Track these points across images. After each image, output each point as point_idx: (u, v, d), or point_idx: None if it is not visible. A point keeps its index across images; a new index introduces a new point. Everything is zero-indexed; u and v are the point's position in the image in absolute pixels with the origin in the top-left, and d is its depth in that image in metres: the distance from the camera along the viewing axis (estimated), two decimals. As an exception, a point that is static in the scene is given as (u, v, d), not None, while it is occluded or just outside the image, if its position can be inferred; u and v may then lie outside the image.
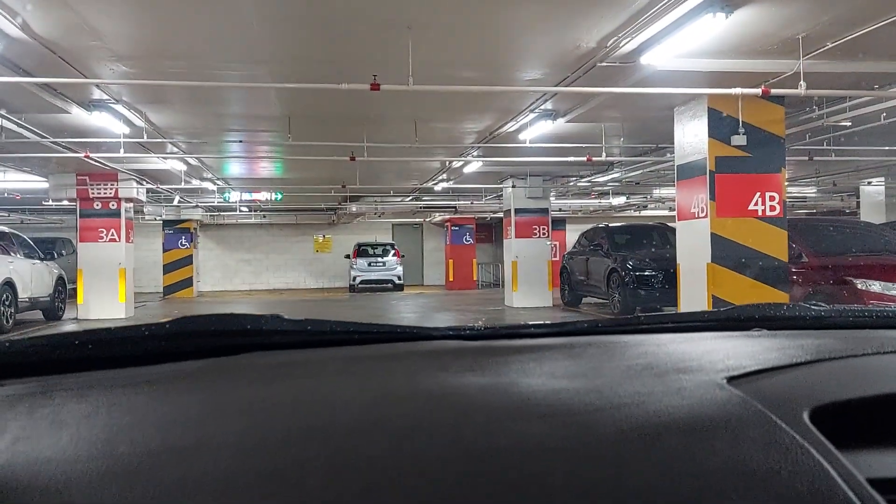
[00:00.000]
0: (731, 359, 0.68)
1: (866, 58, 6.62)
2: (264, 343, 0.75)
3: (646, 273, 12.03)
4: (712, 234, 8.03)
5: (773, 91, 6.38)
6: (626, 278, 12.11)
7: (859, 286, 7.82)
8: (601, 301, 13.30)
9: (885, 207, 16.94)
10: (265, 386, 0.62)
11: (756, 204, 8.07)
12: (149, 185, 13.78)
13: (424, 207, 20.81)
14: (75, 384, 0.63)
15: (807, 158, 10.95)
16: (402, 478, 0.46)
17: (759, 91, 6.37)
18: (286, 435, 0.51)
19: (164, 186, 14.37)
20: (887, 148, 11.12)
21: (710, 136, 8.06)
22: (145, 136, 9.22)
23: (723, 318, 0.93)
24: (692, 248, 8.42)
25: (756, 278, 7.99)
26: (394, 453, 0.48)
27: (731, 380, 0.61)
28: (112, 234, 13.04)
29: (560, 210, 20.92)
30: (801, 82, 6.17)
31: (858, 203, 18.23)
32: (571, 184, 15.57)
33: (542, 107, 8.72)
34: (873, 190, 17.52)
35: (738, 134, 7.90)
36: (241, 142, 10.55)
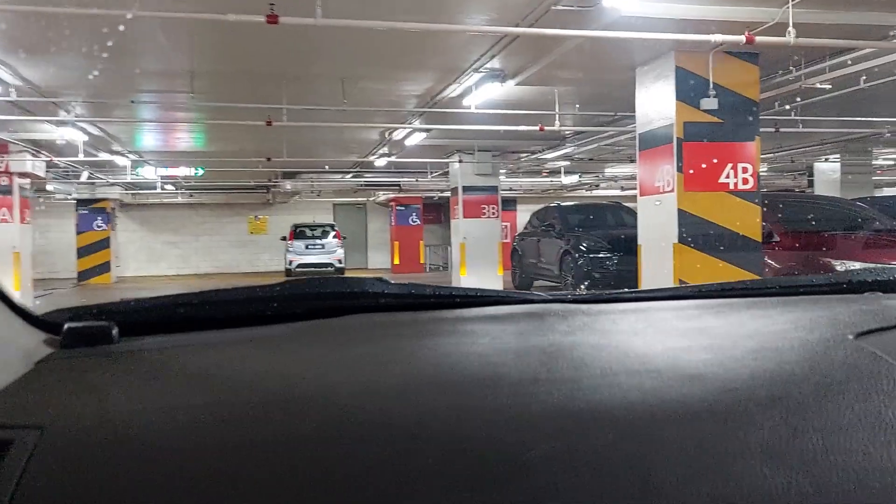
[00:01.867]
0: (856, 316, 0.67)
1: (860, 7, 5.74)
2: (368, 305, 0.77)
3: (600, 255, 11.21)
4: (679, 210, 7.09)
5: (758, 39, 5.42)
6: (579, 260, 11.28)
7: (837, 267, 7.08)
8: (553, 284, 12.42)
9: (840, 185, 16.46)
10: (378, 343, 0.65)
11: (728, 176, 7.16)
12: (47, 159, 12.23)
13: (366, 185, 19.57)
14: (198, 342, 0.68)
15: (773, 130, 10.13)
16: (523, 427, 0.47)
17: (741, 38, 5.41)
18: (404, 386, 0.53)
19: (66, 159, 12.82)
20: (858, 119, 10.41)
21: (678, 98, 7.10)
22: (14, 95, 7.82)
23: (834, 283, 0.91)
24: (656, 227, 7.49)
25: (728, 260, 7.10)
26: (514, 404, 0.49)
27: (857, 336, 0.60)
28: (3, 215, 11.51)
29: (511, 189, 20.03)
30: (790, 29, 5.23)
31: (811, 181, 17.75)
32: (524, 158, 14.58)
33: (487, 65, 7.64)
34: (828, 167, 17.03)
35: (709, 97, 6.99)
36: (145, 103, 9.18)
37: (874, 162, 17.85)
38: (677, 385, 0.52)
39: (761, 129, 7.47)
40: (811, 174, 17.75)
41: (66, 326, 0.67)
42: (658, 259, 7.38)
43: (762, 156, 15.79)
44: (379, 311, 0.77)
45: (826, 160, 16.60)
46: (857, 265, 7.13)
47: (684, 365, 0.56)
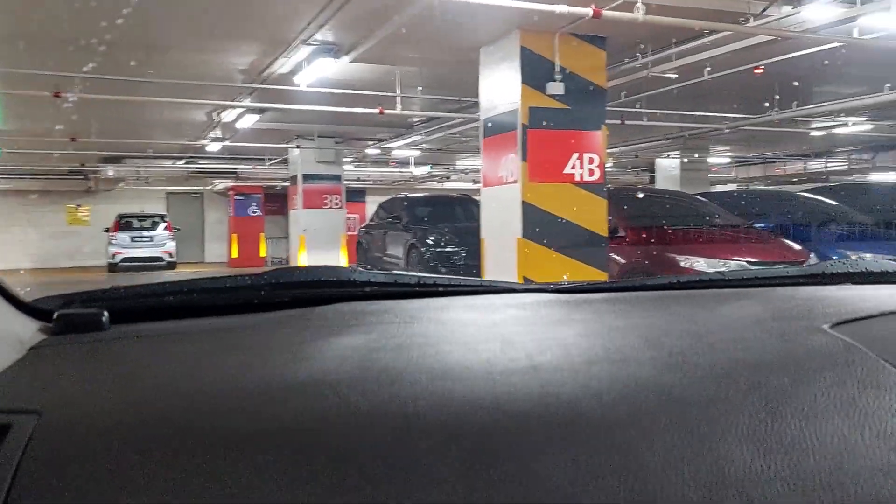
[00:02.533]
0: (831, 307, 0.69)
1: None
2: (354, 294, 0.78)
3: (448, 249, 10.63)
4: (524, 202, 6.57)
5: (606, 13, 4.92)
6: (425, 254, 10.66)
7: (682, 264, 6.84)
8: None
9: (680, 181, 16.88)
10: (365, 331, 0.65)
11: (574, 167, 6.72)
12: None
13: (199, 172, 18.01)
14: (187, 329, 0.69)
15: (619, 122, 9.93)
16: (510, 415, 0.47)
17: (588, 11, 4.89)
18: (393, 375, 0.53)
19: None
20: (700, 113, 10.43)
21: (523, 81, 6.57)
22: None
23: (809, 275, 0.92)
24: (499, 220, 6.94)
25: (574, 256, 6.66)
26: (501, 392, 0.50)
27: (832, 326, 0.61)
28: None
29: (359, 180, 19.17)
30: (639, 5, 4.77)
31: (652, 177, 18.17)
32: (370, 146, 13.76)
33: (318, 36, 6.78)
34: (668, 163, 17.45)
35: (555, 80, 6.51)
36: None
37: (710, 159, 18.51)
38: (659, 372, 0.53)
39: (608, 122, 7.13)
40: (653, 170, 18.17)
41: (56, 313, 0.68)
42: (501, 254, 6.84)
43: (609, 150, 15.89)
44: (364, 299, 0.77)
45: (668, 156, 16.97)
46: (701, 261, 6.94)
47: (666, 353, 0.57)
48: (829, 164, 20.67)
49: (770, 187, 18.71)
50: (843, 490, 0.43)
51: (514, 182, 6.65)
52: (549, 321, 0.69)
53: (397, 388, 0.51)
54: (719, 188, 19.60)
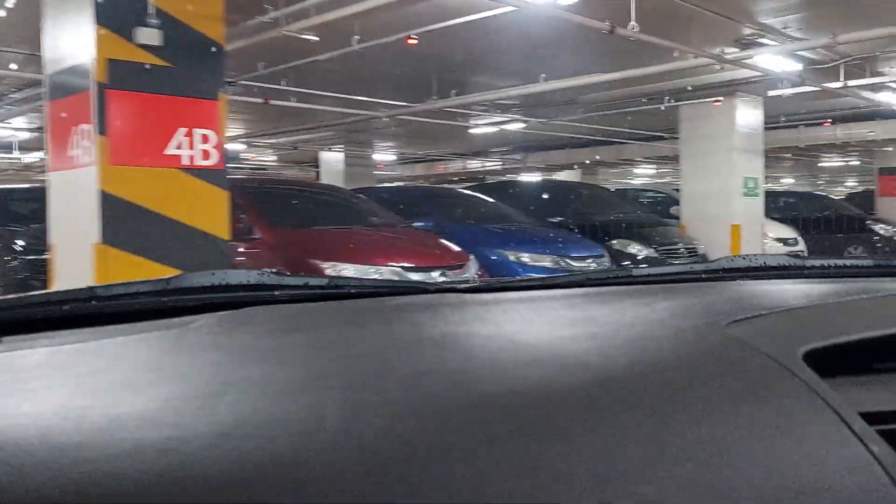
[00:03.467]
0: (726, 305, 0.73)
1: None
2: (265, 298, 0.77)
3: (45, 256, 8.15)
4: (103, 193, 4.61)
5: None
6: (12, 262, 8.08)
7: (328, 271, 5.54)
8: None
9: (345, 176, 15.89)
10: (277, 336, 0.65)
11: (179, 147, 4.92)
12: None
13: None
14: (82, 339, 0.64)
15: (262, 101, 8.31)
16: (414, 421, 0.46)
17: None
18: (304, 381, 0.52)
19: None
20: (357, 98, 9.23)
21: (99, 22, 4.60)
22: None
23: (709, 271, 0.95)
24: (70, 218, 4.90)
25: (181, 265, 4.85)
26: (404, 397, 0.49)
27: (728, 324, 0.63)
28: None
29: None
30: None
31: (318, 173, 17.00)
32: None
33: None
34: (333, 158, 16.37)
35: (148, 25, 4.67)
36: None
37: (375, 155, 17.82)
38: (563, 374, 0.53)
39: (248, 100, 5.48)
40: (318, 164, 16.99)
41: None
42: (75, 266, 4.80)
43: (264, 138, 14.18)
44: (269, 304, 0.75)
45: (331, 149, 15.83)
46: (350, 268, 5.67)
47: (570, 354, 0.58)
48: (486, 164, 21.36)
49: (435, 185, 18.59)
50: (732, 490, 0.43)
51: (90, 165, 4.65)
52: (458, 322, 0.68)
53: (297, 400, 0.49)
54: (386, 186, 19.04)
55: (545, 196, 10.29)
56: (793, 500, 0.42)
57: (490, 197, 9.16)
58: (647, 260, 8.82)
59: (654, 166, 22.15)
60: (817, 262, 0.99)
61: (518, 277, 0.81)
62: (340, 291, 0.81)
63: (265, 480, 0.40)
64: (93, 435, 0.44)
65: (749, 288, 0.84)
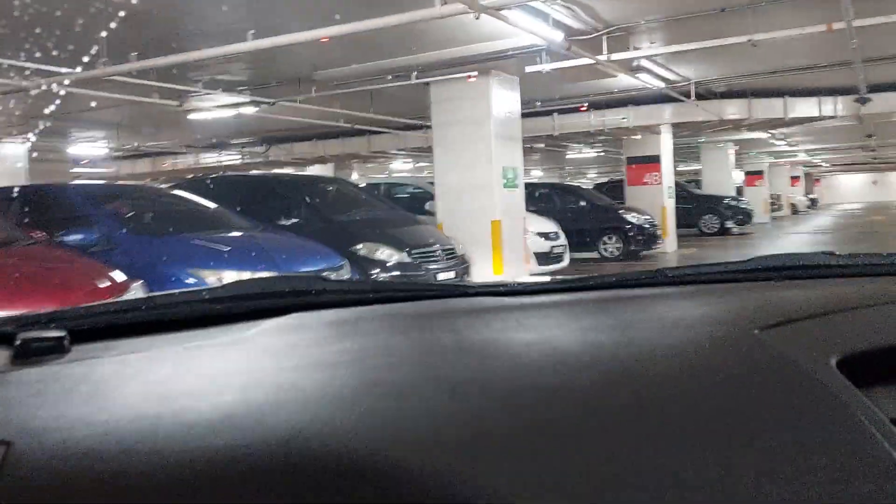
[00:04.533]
0: (760, 310, 0.72)
1: None
2: (311, 303, 0.80)
3: None
4: None
5: None
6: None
7: None
8: None
9: (28, 175, 12.77)
10: (326, 343, 0.67)
11: None
12: None
13: None
14: (150, 347, 0.68)
15: None
16: (458, 430, 0.47)
17: None
18: (355, 389, 0.54)
19: None
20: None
21: None
22: None
23: (745, 270, 0.94)
24: None
25: None
26: (449, 406, 0.50)
27: (761, 330, 0.63)
28: None
29: None
30: None
31: None
32: None
33: None
34: (11, 151, 13.14)
35: None
36: None
37: (71, 149, 14.73)
38: (604, 381, 0.54)
39: None
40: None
41: (18, 338, 0.67)
42: None
43: None
44: (319, 308, 0.78)
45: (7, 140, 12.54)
46: None
47: (612, 361, 0.59)
48: (223, 159, 18.87)
49: (114, 183, 15.78)
50: (763, 497, 0.43)
51: None
52: (501, 328, 0.69)
53: (354, 408, 0.51)
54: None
55: (277, 193, 8.31)
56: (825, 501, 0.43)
57: (202, 195, 7.01)
58: (399, 266, 7.24)
59: (412, 159, 21.01)
60: (851, 261, 0.98)
61: (556, 279, 0.77)
62: (383, 295, 0.83)
63: (324, 484, 0.42)
64: (167, 442, 0.46)
65: (781, 291, 0.84)
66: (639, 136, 14.84)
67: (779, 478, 0.44)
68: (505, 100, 8.92)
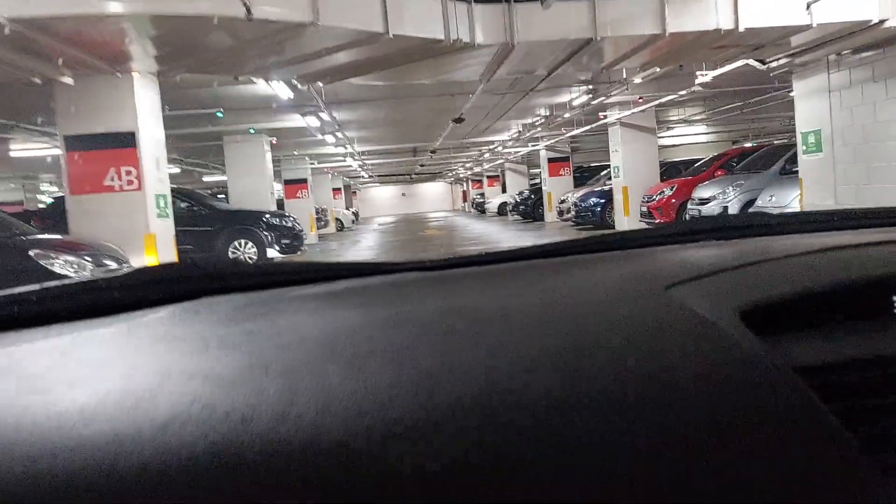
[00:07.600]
0: (669, 268, 0.74)
1: None
2: (221, 287, 0.76)
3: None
4: None
5: None
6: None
7: None
8: None
9: None
10: (227, 325, 0.63)
11: None
12: None
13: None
14: (33, 338, 0.63)
15: None
16: (358, 402, 0.46)
17: None
18: (245, 370, 0.52)
19: None
20: None
21: None
22: None
23: (668, 234, 0.96)
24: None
25: None
26: (347, 378, 0.49)
27: (668, 287, 0.64)
28: None
29: None
30: None
31: None
32: None
33: None
34: None
35: None
36: None
37: None
38: (517, 342, 0.54)
39: None
40: None
41: None
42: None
43: None
44: (232, 292, 0.74)
45: None
46: None
47: (526, 322, 0.59)
48: None
49: None
50: (667, 436, 0.45)
51: None
52: (417, 298, 0.69)
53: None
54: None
55: None
56: (724, 445, 0.44)
57: None
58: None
59: None
60: (784, 219, 0.99)
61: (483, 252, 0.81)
62: (297, 277, 0.80)
63: (200, 469, 0.41)
64: (32, 432, 0.44)
65: (698, 251, 0.86)
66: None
67: (681, 414, 0.46)
68: None
